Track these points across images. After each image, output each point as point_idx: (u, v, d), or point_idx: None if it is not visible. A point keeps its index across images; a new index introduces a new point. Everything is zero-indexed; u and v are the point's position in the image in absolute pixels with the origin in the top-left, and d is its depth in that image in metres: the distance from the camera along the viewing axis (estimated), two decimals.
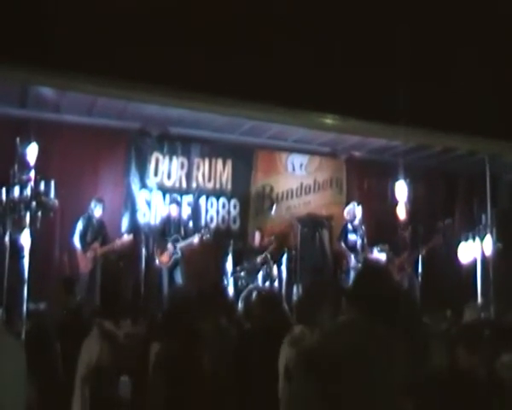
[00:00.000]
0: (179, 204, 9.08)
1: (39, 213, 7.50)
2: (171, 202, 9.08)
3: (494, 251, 9.18)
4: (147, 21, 7.31)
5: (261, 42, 7.71)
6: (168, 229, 8.72)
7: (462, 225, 10.37)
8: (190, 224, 9.02)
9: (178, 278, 8.50)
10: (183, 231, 8.75)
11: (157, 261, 8.55)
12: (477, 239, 9.30)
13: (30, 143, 7.57)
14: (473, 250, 9.39)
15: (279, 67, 7.68)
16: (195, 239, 8.63)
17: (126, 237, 8.53)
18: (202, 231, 8.75)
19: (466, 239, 9.58)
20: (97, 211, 8.36)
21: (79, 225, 8.29)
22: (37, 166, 7.58)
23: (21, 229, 7.44)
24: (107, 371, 3.84)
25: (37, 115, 8.30)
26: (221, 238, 9.11)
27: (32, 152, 7.59)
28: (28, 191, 7.44)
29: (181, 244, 8.58)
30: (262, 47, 7.68)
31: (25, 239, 7.41)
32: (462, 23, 8.55)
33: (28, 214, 7.41)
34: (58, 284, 5.90)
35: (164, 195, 9.47)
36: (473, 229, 9.51)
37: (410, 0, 8.27)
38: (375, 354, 2.47)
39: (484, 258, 9.16)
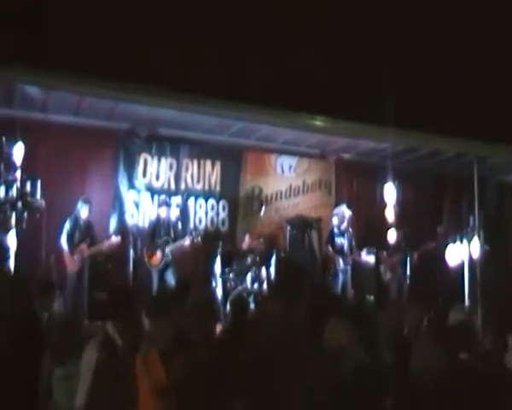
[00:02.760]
0: (169, 206, 8.97)
1: (25, 214, 7.46)
2: (161, 204, 8.97)
3: (481, 253, 9.25)
4: (137, 22, 7.29)
5: (251, 44, 7.72)
6: (158, 231, 8.63)
7: (450, 228, 10.43)
8: (179, 225, 8.95)
9: (170, 279, 8.40)
10: (172, 233, 8.66)
11: (147, 263, 8.47)
12: (465, 241, 9.38)
13: (16, 142, 7.50)
14: (460, 252, 9.46)
15: (269, 68, 7.70)
16: (186, 242, 8.55)
17: (114, 239, 8.43)
18: (193, 233, 8.69)
19: (454, 241, 9.65)
20: (84, 212, 8.21)
21: (66, 226, 8.15)
22: (24, 166, 7.54)
23: (7, 229, 7.38)
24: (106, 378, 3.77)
25: (24, 115, 8.13)
26: (211, 241, 9.02)
27: (18, 152, 7.52)
28: (14, 191, 7.41)
29: (171, 247, 8.50)
30: (252, 49, 7.70)
31: (11, 240, 7.35)
32: (451, 27, 8.62)
33: (14, 215, 7.36)
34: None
35: (152, 196, 9.41)
36: (461, 231, 9.60)
37: (401, 4, 8.33)
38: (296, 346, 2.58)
39: (471, 260, 9.24)
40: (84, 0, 7.26)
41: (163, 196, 9.28)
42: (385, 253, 9.66)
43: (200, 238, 8.65)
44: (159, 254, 8.47)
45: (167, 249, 8.46)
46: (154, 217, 9.03)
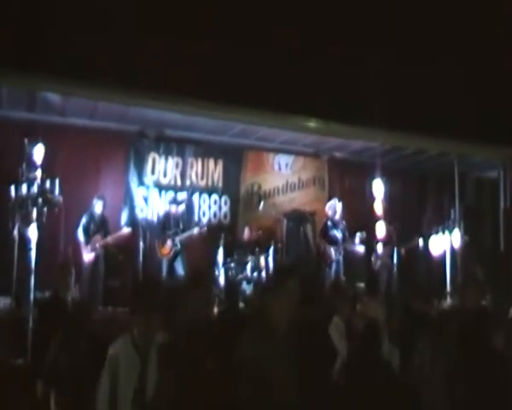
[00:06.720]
0: (178, 203, 9.53)
1: (45, 209, 7.79)
2: (170, 202, 9.55)
3: (462, 243, 9.80)
4: (145, 33, 7.73)
5: (250, 50, 8.16)
6: (168, 223, 9.20)
7: (432, 220, 10.92)
8: (187, 218, 9.55)
9: (179, 268, 8.98)
10: (181, 225, 9.24)
11: (158, 254, 9.06)
12: (446, 233, 9.93)
13: (37, 143, 7.86)
14: (442, 243, 10.01)
15: (267, 74, 8.14)
16: (194, 232, 9.13)
17: (125, 230, 9.04)
18: (200, 225, 9.30)
19: (436, 233, 10.19)
20: (98, 207, 8.82)
21: (83, 221, 8.75)
22: (44, 166, 7.86)
23: (29, 223, 7.63)
24: None
25: (44, 118, 8.76)
26: (215, 231, 9.57)
27: (38, 152, 7.85)
28: (35, 189, 7.67)
29: (180, 237, 9.07)
30: (251, 55, 8.14)
31: (32, 233, 7.64)
32: (436, 29, 8.99)
33: (35, 210, 7.66)
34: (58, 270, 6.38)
35: (160, 192, 10.03)
36: (443, 223, 10.12)
37: (388, 6, 8.72)
38: None
39: (452, 250, 9.79)
40: (99, 13, 7.70)
41: (172, 194, 9.91)
42: (374, 244, 10.12)
43: (206, 229, 9.22)
44: (169, 244, 9.05)
45: (177, 239, 9.05)
46: (163, 211, 9.59)
